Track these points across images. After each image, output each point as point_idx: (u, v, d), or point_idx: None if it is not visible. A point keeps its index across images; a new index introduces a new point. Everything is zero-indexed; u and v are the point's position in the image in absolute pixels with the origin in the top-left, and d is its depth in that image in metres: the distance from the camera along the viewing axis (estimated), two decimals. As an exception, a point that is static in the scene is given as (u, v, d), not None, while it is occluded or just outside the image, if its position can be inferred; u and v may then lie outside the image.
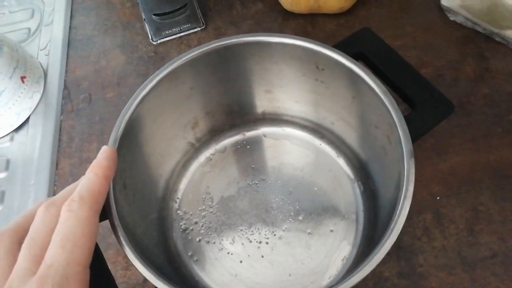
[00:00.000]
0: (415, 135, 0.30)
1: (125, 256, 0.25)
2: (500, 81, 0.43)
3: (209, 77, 0.34)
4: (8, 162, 0.42)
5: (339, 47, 0.32)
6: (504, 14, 0.42)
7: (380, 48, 0.34)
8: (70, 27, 0.50)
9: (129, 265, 0.36)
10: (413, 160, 0.27)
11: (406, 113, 0.32)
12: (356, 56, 0.33)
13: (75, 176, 0.39)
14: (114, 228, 0.25)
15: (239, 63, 0.34)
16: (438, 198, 0.38)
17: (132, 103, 0.30)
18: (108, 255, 0.36)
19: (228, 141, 0.40)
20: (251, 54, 0.33)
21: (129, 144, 0.30)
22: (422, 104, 0.31)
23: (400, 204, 0.26)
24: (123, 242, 0.25)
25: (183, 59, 0.31)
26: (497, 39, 0.45)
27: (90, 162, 0.41)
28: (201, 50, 0.32)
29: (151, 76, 0.31)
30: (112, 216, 0.26)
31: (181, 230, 0.36)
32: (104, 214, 0.26)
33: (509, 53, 0.45)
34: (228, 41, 0.32)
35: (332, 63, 0.32)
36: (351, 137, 0.37)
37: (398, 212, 0.26)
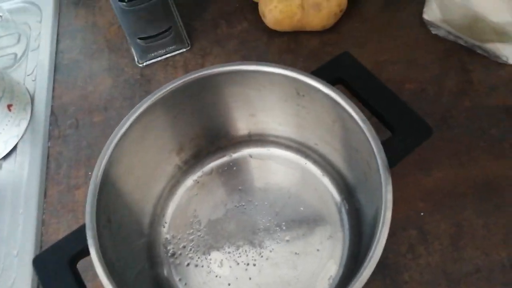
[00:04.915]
0: (395, 159, 0.30)
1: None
2: (482, 94, 0.44)
3: (192, 105, 0.35)
4: (-4, 191, 0.42)
5: (319, 72, 0.33)
6: (485, 29, 0.43)
7: (360, 73, 0.34)
8: (56, 52, 0.50)
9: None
10: (390, 187, 0.28)
11: (388, 135, 0.33)
12: (336, 81, 0.34)
13: (64, 204, 0.40)
14: (96, 266, 0.26)
15: (221, 91, 0.35)
16: (422, 214, 0.38)
17: (113, 139, 0.30)
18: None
19: (215, 163, 0.41)
20: (233, 82, 0.34)
21: (112, 179, 0.30)
22: (401, 129, 0.32)
23: (379, 231, 0.27)
24: (106, 281, 0.25)
25: (163, 91, 0.32)
26: (479, 51, 0.46)
27: (79, 188, 0.42)
28: (181, 81, 0.32)
29: (133, 109, 0.31)
30: (95, 253, 0.26)
31: (169, 255, 0.37)
32: (87, 250, 0.26)
33: (491, 65, 0.45)
34: (208, 72, 0.32)
35: (312, 90, 0.32)
36: (335, 158, 0.38)
37: (376, 242, 0.27)
